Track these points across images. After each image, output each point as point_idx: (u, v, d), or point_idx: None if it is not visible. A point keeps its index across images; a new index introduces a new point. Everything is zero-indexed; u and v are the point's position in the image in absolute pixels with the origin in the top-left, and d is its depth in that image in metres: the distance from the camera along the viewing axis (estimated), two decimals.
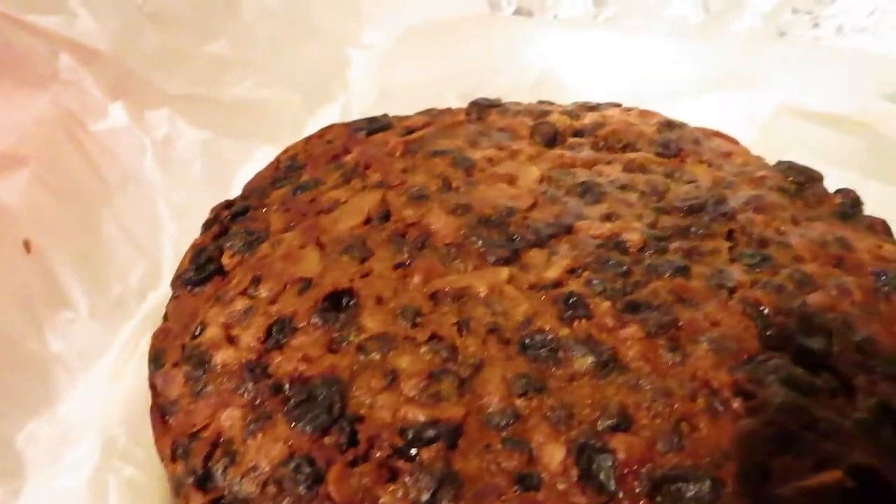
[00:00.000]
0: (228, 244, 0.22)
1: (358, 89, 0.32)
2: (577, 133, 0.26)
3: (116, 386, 0.23)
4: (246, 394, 0.17)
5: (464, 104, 0.32)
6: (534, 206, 0.22)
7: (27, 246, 0.25)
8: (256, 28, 0.28)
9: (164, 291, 0.27)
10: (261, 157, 0.32)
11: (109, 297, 0.26)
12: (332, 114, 0.32)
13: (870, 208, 0.28)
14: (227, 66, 0.29)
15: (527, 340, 0.18)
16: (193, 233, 0.29)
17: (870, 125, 0.28)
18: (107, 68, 0.28)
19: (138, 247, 0.28)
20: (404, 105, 0.31)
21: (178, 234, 0.29)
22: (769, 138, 0.29)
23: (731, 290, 0.19)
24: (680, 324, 0.18)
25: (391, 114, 0.31)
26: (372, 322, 0.18)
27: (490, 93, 0.33)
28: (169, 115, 0.30)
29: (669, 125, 0.27)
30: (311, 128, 0.33)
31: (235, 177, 0.31)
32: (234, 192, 0.31)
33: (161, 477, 0.22)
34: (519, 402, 0.17)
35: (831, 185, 0.29)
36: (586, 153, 0.25)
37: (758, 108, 0.29)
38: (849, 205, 0.25)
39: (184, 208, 0.30)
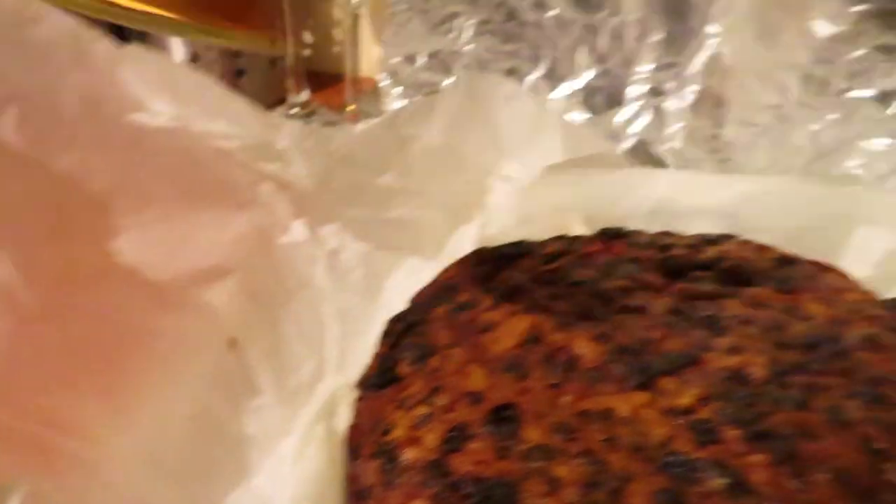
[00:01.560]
0: (401, 355, 0.26)
1: (494, 213, 0.36)
2: (700, 266, 0.30)
3: (300, 465, 0.28)
4: (431, 488, 0.21)
5: (589, 228, 0.37)
6: (665, 336, 0.25)
7: (232, 343, 0.30)
8: (419, 162, 0.34)
9: (328, 384, 0.32)
10: (408, 268, 0.37)
11: (289, 387, 0.31)
12: (471, 233, 0.37)
13: None
14: (393, 193, 0.34)
15: (667, 460, 0.21)
16: (351, 334, 0.34)
17: None
18: (296, 195, 0.33)
19: (309, 344, 0.33)
20: (535, 227, 0.36)
21: (340, 334, 0.34)
22: (879, 274, 0.32)
23: (847, 425, 0.22)
24: (802, 454, 0.21)
25: (524, 235, 0.36)
26: (533, 434, 0.22)
27: (611, 217, 0.37)
28: (338, 229, 0.36)
29: (785, 260, 0.30)
30: (452, 243, 0.38)
31: (385, 284, 0.36)
32: (385, 297, 0.36)
33: None
34: None
35: None
36: (708, 287, 0.28)
37: (867, 245, 0.32)
38: None
39: (345, 311, 0.35)
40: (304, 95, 0.60)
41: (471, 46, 0.42)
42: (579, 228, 0.37)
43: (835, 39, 0.34)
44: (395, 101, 0.43)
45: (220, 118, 0.29)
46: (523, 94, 0.35)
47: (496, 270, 0.30)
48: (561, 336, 0.26)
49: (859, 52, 0.34)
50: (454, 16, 0.42)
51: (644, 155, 0.40)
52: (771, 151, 0.38)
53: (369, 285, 0.36)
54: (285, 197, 0.34)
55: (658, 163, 0.40)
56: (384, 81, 0.44)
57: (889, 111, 0.35)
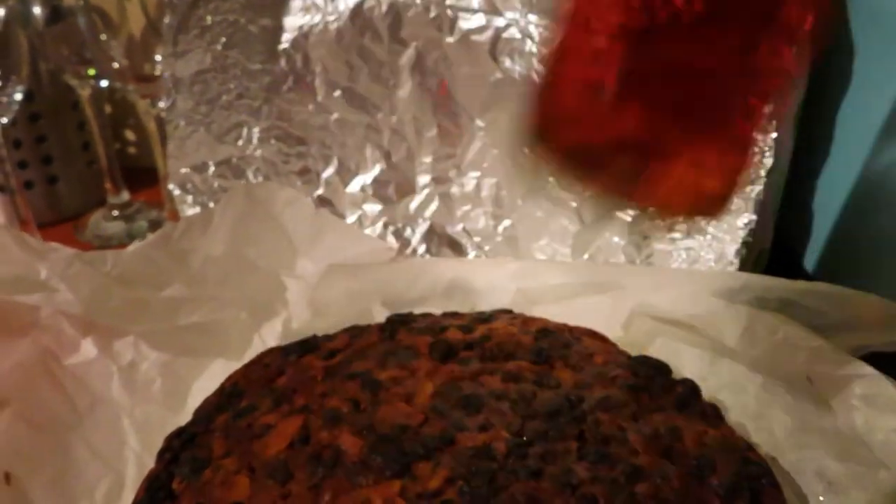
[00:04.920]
0: (177, 470, 0.27)
1: (293, 309, 0.38)
2: (469, 346, 0.32)
3: None
4: None
5: (389, 310, 0.39)
6: (424, 421, 0.27)
7: (7, 478, 0.29)
8: (204, 271, 0.35)
9: (126, 502, 0.32)
10: (214, 370, 0.38)
11: None
12: (276, 327, 0.38)
13: (721, 381, 0.34)
14: (182, 303, 0.35)
15: None
16: (153, 445, 0.34)
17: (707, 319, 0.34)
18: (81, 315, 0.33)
19: (104, 463, 0.33)
20: (334, 317, 0.38)
21: (140, 448, 0.34)
22: (630, 334, 0.36)
23: (574, 488, 0.25)
24: None
25: (325, 326, 0.37)
26: None
27: (410, 299, 0.40)
28: (134, 341, 0.36)
29: (545, 332, 0.34)
30: (257, 340, 0.39)
31: (191, 390, 0.37)
32: (192, 402, 0.36)
33: None
34: None
35: (688, 362, 0.35)
36: (474, 365, 0.31)
37: (619, 309, 0.36)
38: (687, 394, 0.31)
39: (145, 423, 0.35)
40: (124, 196, 0.59)
41: (259, 151, 0.44)
42: (380, 312, 0.39)
43: None
44: (188, 209, 0.44)
45: None
46: (302, 198, 0.37)
47: (279, 372, 0.31)
48: (327, 434, 0.27)
49: None
50: (239, 125, 0.43)
51: (438, 237, 0.43)
52: (543, 222, 0.42)
53: (172, 393, 0.36)
54: (71, 317, 0.34)
55: (454, 244, 0.43)
56: (175, 192, 0.45)
57: None
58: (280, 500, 0.24)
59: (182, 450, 0.28)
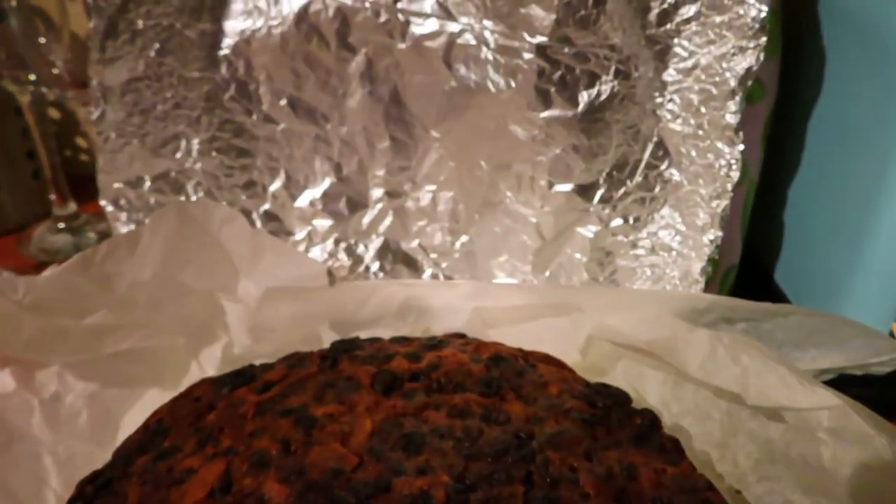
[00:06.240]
0: None
1: (234, 333, 0.36)
2: (415, 376, 0.30)
3: None
4: None
5: (338, 333, 0.37)
6: (359, 465, 0.25)
7: None
8: (132, 296, 0.32)
9: None
10: (148, 400, 0.35)
11: None
12: (215, 353, 0.36)
13: (685, 407, 0.33)
14: (108, 331, 0.32)
15: None
16: (75, 484, 0.32)
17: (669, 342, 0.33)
18: None
19: None
20: (281, 341, 0.36)
21: (62, 489, 0.31)
22: (589, 358, 0.34)
23: None
24: None
25: (268, 351, 0.35)
26: None
27: (360, 321, 0.38)
28: (58, 371, 0.33)
29: (498, 359, 0.31)
30: (195, 368, 0.36)
31: (122, 423, 0.34)
32: (120, 438, 0.34)
33: None
34: None
35: (651, 387, 0.33)
36: (419, 399, 0.29)
37: (578, 332, 0.34)
38: (646, 426, 0.29)
39: (69, 461, 0.32)
40: (71, 207, 0.57)
41: (200, 165, 0.41)
42: (328, 335, 0.37)
43: (534, 140, 0.37)
44: (122, 227, 0.42)
45: None
46: (239, 216, 0.35)
47: (210, 406, 0.29)
48: (252, 480, 0.25)
49: (556, 151, 0.37)
50: (177, 137, 0.41)
51: (393, 254, 0.41)
52: (501, 239, 0.40)
53: (100, 427, 0.34)
54: None
55: (409, 260, 0.41)
56: (108, 209, 0.42)
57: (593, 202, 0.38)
58: None
59: (95, 496, 0.26)
